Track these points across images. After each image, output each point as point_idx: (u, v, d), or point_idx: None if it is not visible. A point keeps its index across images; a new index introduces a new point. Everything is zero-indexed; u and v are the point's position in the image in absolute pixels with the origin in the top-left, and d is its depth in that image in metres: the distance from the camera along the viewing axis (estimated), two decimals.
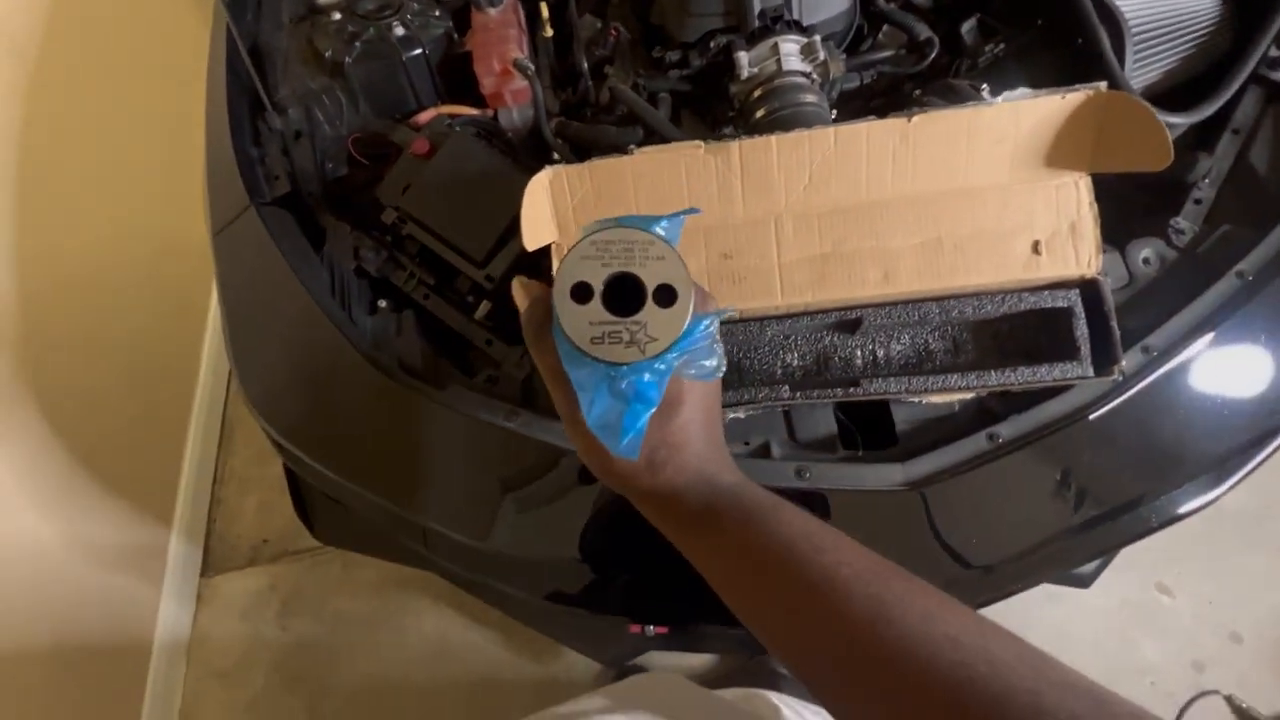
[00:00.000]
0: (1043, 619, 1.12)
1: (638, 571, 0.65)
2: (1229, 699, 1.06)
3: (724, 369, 0.38)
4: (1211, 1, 0.67)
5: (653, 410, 0.35)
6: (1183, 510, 0.60)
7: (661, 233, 0.37)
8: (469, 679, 1.30)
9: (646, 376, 0.35)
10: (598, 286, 0.36)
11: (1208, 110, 0.63)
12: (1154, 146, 0.46)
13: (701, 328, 0.36)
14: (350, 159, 0.76)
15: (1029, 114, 0.50)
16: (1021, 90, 0.50)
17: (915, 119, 0.51)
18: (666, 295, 0.35)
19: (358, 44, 0.74)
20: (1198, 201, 0.64)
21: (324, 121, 0.77)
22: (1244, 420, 0.58)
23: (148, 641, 1.32)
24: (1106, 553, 0.65)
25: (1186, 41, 0.68)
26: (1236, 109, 0.66)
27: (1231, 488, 0.61)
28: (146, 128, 1.39)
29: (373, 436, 0.66)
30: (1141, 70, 0.67)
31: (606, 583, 0.68)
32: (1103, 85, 0.48)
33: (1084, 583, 0.90)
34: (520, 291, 0.44)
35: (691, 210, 0.41)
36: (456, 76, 0.79)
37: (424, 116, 0.76)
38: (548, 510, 0.63)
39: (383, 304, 0.71)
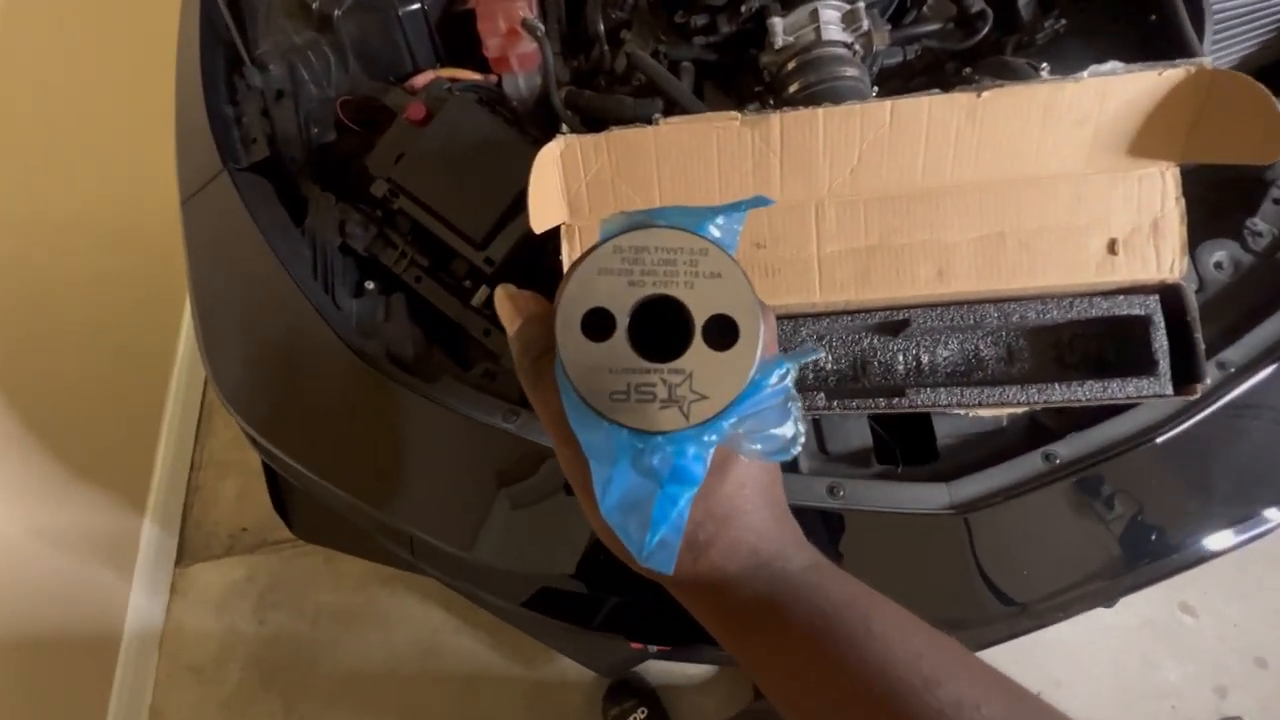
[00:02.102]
0: (1060, 638, 1.07)
1: (640, 593, 0.60)
2: None
3: (803, 441, 0.27)
4: None
5: (696, 491, 0.25)
6: (1240, 539, 0.55)
7: (716, 234, 0.27)
8: (457, 680, 1.24)
9: (690, 450, 0.25)
10: (622, 316, 0.25)
11: None
12: (1267, 136, 0.40)
13: (772, 380, 0.25)
14: (338, 123, 0.69)
15: (1117, 92, 0.44)
16: (1112, 64, 0.43)
17: (986, 94, 0.44)
18: (723, 331, 0.25)
19: None
20: (1277, 202, 0.58)
21: (309, 81, 0.69)
22: None
23: (117, 633, 1.26)
24: (1155, 583, 0.60)
25: (1266, 25, 0.61)
26: None
27: None
28: (112, 86, 1.29)
29: (355, 433, 0.59)
30: (1218, 53, 0.61)
31: (605, 601, 0.62)
32: (1206, 61, 0.42)
33: (1108, 602, 0.85)
34: (508, 306, 0.31)
35: (759, 200, 0.30)
36: (457, 37, 0.71)
37: (420, 79, 0.69)
38: (547, 522, 0.57)
39: (370, 285, 0.64)
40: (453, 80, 0.69)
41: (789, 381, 0.26)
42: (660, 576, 0.29)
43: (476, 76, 0.70)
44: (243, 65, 0.69)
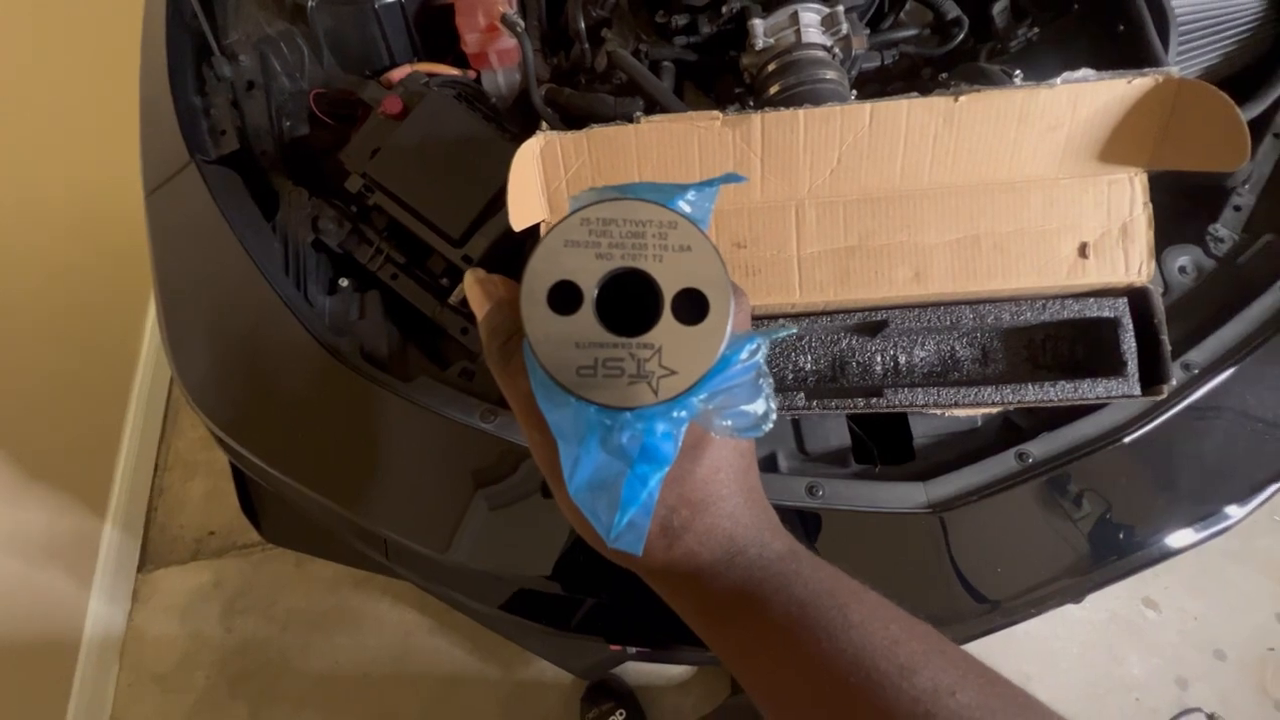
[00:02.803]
0: (1029, 633, 1.09)
1: (618, 594, 0.59)
2: (1211, 717, 1.05)
3: (774, 419, 0.26)
4: None
5: (666, 472, 0.25)
6: (1203, 535, 0.56)
7: (687, 209, 0.26)
8: (431, 684, 1.22)
9: (660, 428, 0.24)
10: (589, 289, 0.24)
11: (1255, 109, 0.58)
12: (1231, 144, 0.41)
13: (743, 355, 0.25)
14: (312, 116, 0.67)
15: (1089, 99, 0.45)
16: (1084, 71, 0.44)
17: (963, 98, 0.45)
18: (693, 305, 0.24)
19: None
20: (1237, 208, 0.60)
21: (281, 73, 0.68)
22: (1278, 445, 0.54)
23: (75, 642, 1.21)
24: (1123, 579, 0.61)
25: (1229, 37, 0.63)
26: (1278, 112, 0.62)
27: (1252, 511, 0.58)
28: (69, 73, 1.25)
29: (328, 433, 0.58)
30: (1182, 63, 0.63)
31: (583, 603, 0.62)
32: (1174, 71, 0.43)
33: (1076, 598, 0.88)
34: (477, 291, 0.31)
35: (732, 177, 0.30)
36: (436, 31, 0.70)
37: (397, 73, 0.68)
38: (524, 524, 0.56)
39: (344, 283, 0.63)
40: (430, 75, 0.67)
41: (760, 357, 0.26)
42: (633, 563, 0.29)
43: (455, 72, 0.69)
44: (211, 55, 0.67)
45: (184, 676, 1.28)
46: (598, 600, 0.59)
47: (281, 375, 0.59)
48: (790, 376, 0.53)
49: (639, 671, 1.18)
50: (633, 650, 0.81)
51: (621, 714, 1.13)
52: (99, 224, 1.31)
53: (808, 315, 0.51)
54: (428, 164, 0.60)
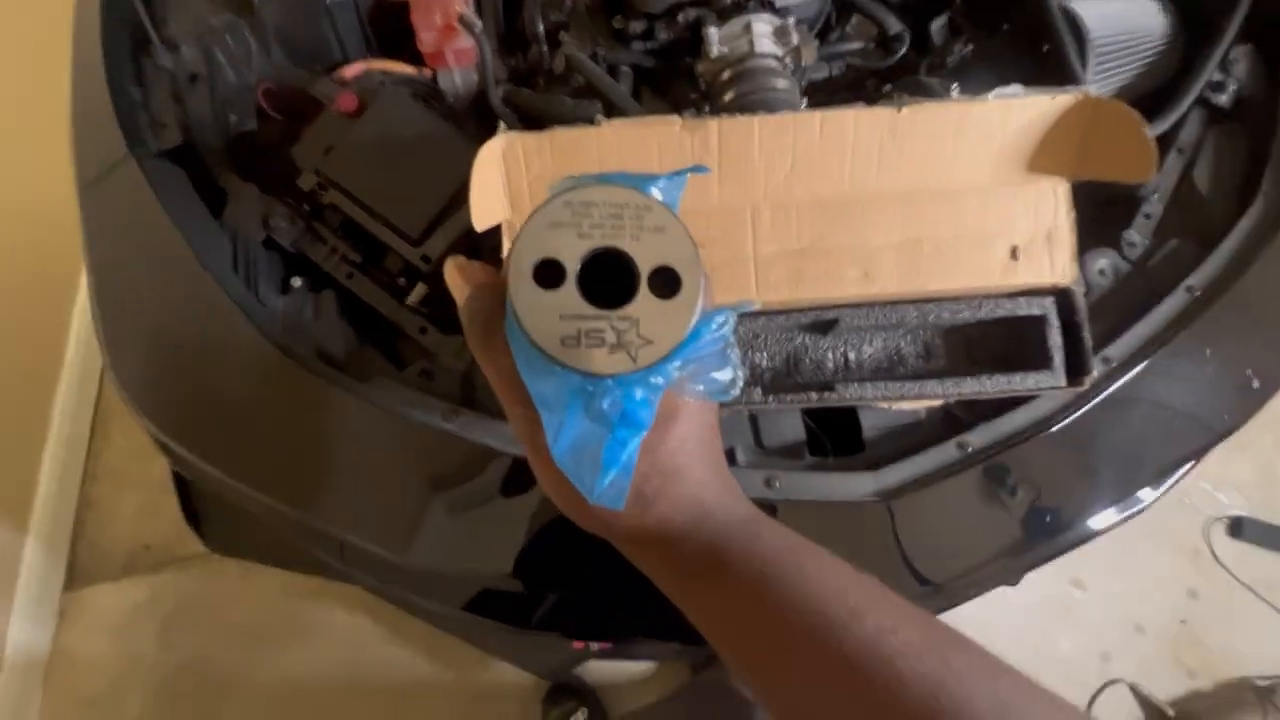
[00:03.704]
0: (972, 616, 1.14)
1: (581, 588, 0.60)
2: (1132, 687, 1.14)
3: (741, 384, 0.29)
4: (1163, 22, 0.69)
5: (643, 437, 0.27)
6: (1123, 516, 0.61)
7: (659, 195, 0.28)
8: (387, 694, 1.19)
9: (638, 393, 0.26)
10: (572, 266, 0.26)
11: (1161, 127, 0.64)
12: (1140, 158, 0.45)
13: (713, 327, 0.28)
14: (260, 112, 0.66)
15: (1018, 114, 0.48)
16: (1014, 87, 0.48)
17: (905, 110, 0.48)
18: (667, 281, 0.26)
19: None
20: (1147, 216, 0.65)
21: (227, 65, 0.66)
22: (1187, 431, 0.60)
23: None
24: (1053, 559, 0.66)
25: (1140, 59, 0.69)
26: (1181, 129, 0.68)
27: (1164, 493, 0.63)
28: None
29: (283, 436, 0.57)
30: (1098, 82, 0.68)
31: (544, 599, 0.62)
32: (1091, 89, 0.47)
33: (1013, 580, 0.93)
34: (456, 276, 0.33)
35: (698, 168, 0.32)
36: (390, 28, 0.69)
37: (350, 70, 0.67)
38: (486, 522, 0.56)
39: (297, 282, 0.62)
40: (385, 73, 0.67)
41: (728, 329, 0.28)
42: (608, 529, 0.31)
43: (410, 70, 0.68)
44: (149, 44, 0.64)
45: (117, 700, 1.21)
46: (559, 596, 0.60)
47: (231, 377, 0.57)
48: (747, 373, 0.55)
49: (600, 670, 1.19)
50: (594, 647, 0.82)
51: (584, 713, 1.14)
52: (15, 218, 1.23)
53: (764, 314, 0.53)
54: (385, 162, 0.59)
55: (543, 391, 0.27)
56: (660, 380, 0.27)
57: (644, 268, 0.27)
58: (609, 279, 0.27)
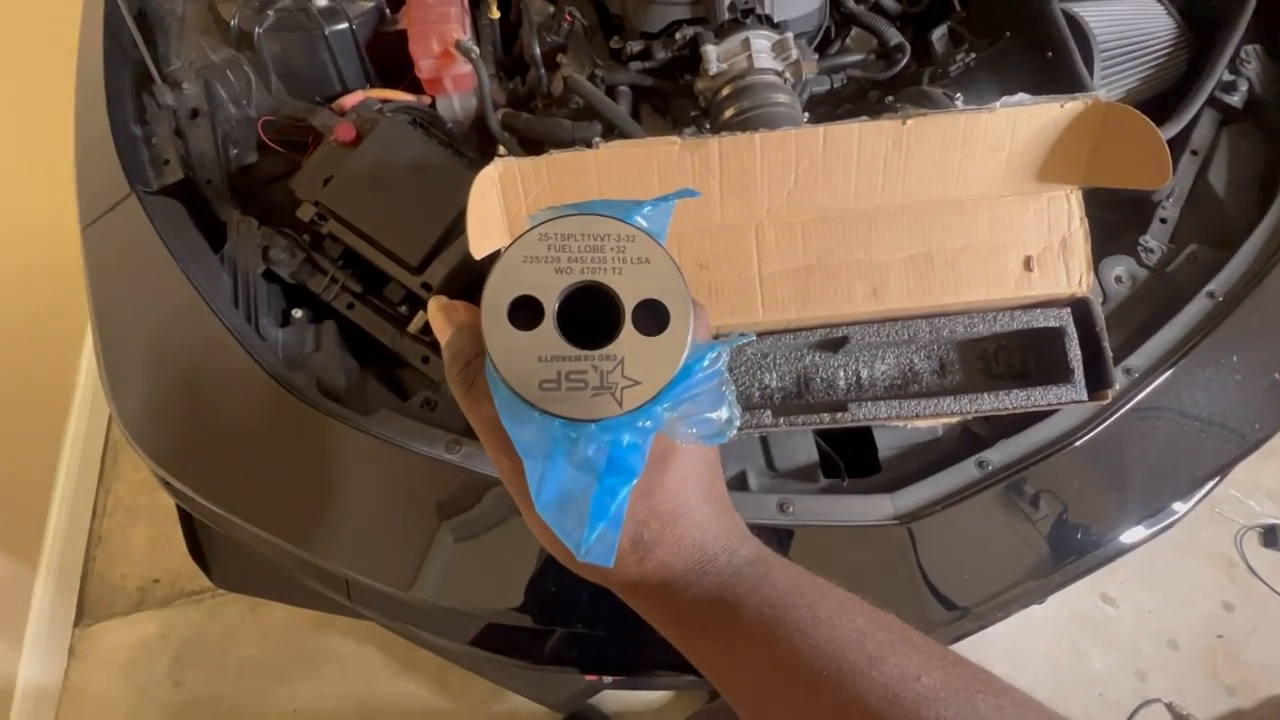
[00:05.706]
0: (997, 635, 1.11)
1: (592, 622, 0.58)
2: (1170, 706, 1.09)
3: (738, 424, 0.27)
4: (1171, 24, 0.68)
5: (634, 483, 0.25)
6: (1152, 531, 0.59)
7: (644, 224, 0.27)
8: None
9: (625, 439, 0.25)
10: (550, 304, 0.25)
11: (1173, 129, 0.62)
12: (1153, 163, 0.44)
13: (704, 363, 0.26)
14: (260, 144, 0.66)
15: (1026, 122, 0.47)
16: (1020, 95, 0.47)
17: (910, 122, 0.47)
18: (653, 316, 0.25)
19: (271, 12, 0.64)
20: (1163, 220, 0.64)
21: (228, 100, 0.66)
22: (1217, 441, 0.57)
23: (4, 705, 1.12)
24: (1081, 578, 0.64)
25: (1148, 62, 0.68)
26: (1194, 131, 0.66)
27: (1194, 506, 0.61)
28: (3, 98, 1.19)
29: (285, 472, 0.56)
30: (1105, 87, 0.67)
31: (555, 634, 0.60)
32: (1100, 94, 0.46)
33: (1040, 599, 0.90)
34: (439, 318, 0.32)
35: (686, 192, 0.30)
36: (389, 58, 0.70)
37: (349, 100, 0.67)
38: (492, 556, 0.55)
39: (297, 314, 0.61)
40: (384, 101, 0.67)
41: (722, 365, 0.26)
42: (605, 577, 0.29)
43: (409, 98, 0.68)
44: (152, 83, 0.64)
45: None
46: (570, 630, 0.58)
47: (232, 412, 0.56)
48: (757, 394, 0.54)
49: (616, 699, 1.16)
50: (608, 679, 0.80)
51: None
52: (28, 259, 1.24)
53: (771, 333, 0.52)
54: (383, 191, 0.59)
55: (524, 439, 0.25)
56: (649, 424, 0.25)
57: (628, 302, 0.25)
58: (591, 317, 0.25)
